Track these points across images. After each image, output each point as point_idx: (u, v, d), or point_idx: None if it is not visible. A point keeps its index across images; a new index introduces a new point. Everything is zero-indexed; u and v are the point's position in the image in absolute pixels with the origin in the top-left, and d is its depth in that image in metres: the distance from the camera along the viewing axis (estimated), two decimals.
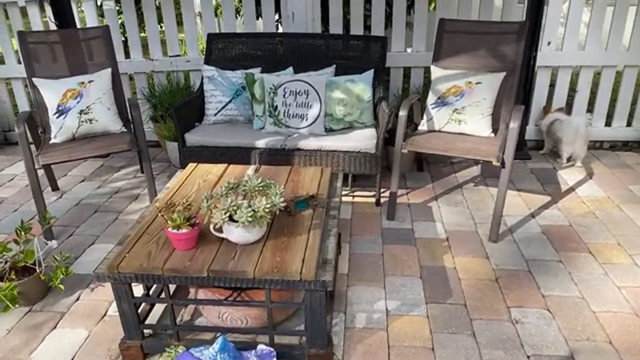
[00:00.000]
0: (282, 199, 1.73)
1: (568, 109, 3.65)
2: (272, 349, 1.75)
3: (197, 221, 1.76)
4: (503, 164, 2.48)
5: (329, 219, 1.99)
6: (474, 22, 2.98)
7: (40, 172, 3.28)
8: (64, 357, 1.90)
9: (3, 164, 3.82)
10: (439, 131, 2.87)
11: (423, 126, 2.93)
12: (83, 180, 3.47)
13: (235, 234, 1.72)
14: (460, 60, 2.94)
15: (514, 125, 2.42)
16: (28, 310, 2.17)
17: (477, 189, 3.18)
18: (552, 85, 3.67)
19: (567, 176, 3.31)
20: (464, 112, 2.78)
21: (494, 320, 2.03)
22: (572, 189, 3.13)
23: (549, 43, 3.53)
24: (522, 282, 2.26)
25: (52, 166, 3.58)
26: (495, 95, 2.78)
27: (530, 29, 3.24)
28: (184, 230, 1.70)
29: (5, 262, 2.18)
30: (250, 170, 2.35)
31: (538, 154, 3.68)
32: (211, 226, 1.75)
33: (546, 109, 3.61)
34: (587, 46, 3.53)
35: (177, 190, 2.19)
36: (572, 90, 3.73)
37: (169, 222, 1.72)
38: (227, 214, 1.66)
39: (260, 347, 1.75)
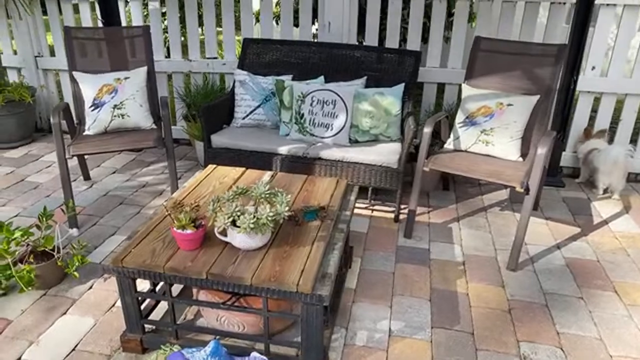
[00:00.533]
0: (287, 208, 1.72)
1: (610, 136, 3.47)
2: (264, 358, 1.74)
3: (202, 223, 1.78)
4: (527, 191, 2.38)
5: (336, 232, 1.96)
6: (511, 42, 2.89)
7: (75, 162, 3.44)
8: (69, 343, 1.96)
9: (44, 151, 4.01)
10: (465, 151, 2.79)
11: (449, 145, 2.86)
12: (114, 172, 3.60)
13: (237, 239, 1.72)
14: (492, 80, 2.85)
15: (542, 151, 2.32)
16: (44, 293, 2.25)
17: (502, 213, 3.06)
18: (595, 111, 3.50)
19: (602, 208, 3.14)
20: (493, 133, 2.69)
21: (501, 353, 1.94)
22: (605, 222, 2.96)
23: (593, 68, 3.38)
24: (537, 316, 2.15)
25: (87, 157, 3.74)
26: (527, 118, 2.68)
27: (573, 52, 3.11)
28: (188, 231, 1.72)
29: (27, 246, 2.27)
30: (265, 176, 2.35)
31: (573, 182, 3.51)
32: (215, 229, 1.76)
33: (587, 132, 3.42)
34: (635, 73, 3.35)
35: (192, 191, 2.23)
36: (617, 118, 3.54)
37: (175, 221, 1.74)
38: (230, 219, 1.67)
39: (254, 354, 1.75)
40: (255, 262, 1.70)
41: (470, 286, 2.35)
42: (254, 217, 1.65)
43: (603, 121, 3.48)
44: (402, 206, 3.07)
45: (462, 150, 2.80)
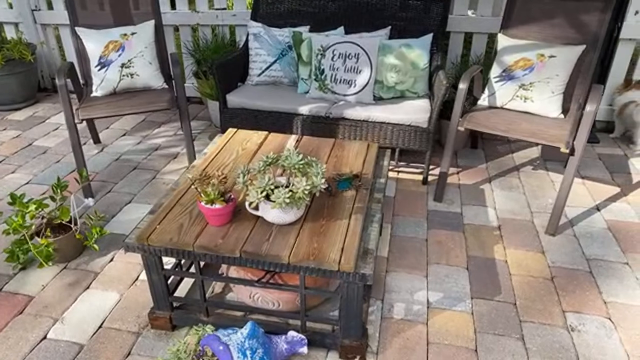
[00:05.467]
0: (323, 180, 1.57)
1: None
2: (303, 337, 1.65)
3: (232, 197, 1.64)
4: (573, 152, 2.21)
5: (373, 203, 1.83)
6: None
7: (84, 124, 3.27)
8: (95, 319, 1.88)
9: (50, 112, 3.84)
10: (501, 108, 2.60)
11: (484, 101, 2.66)
12: (124, 135, 3.43)
13: (271, 214, 1.59)
14: (533, 29, 2.61)
15: (591, 108, 2.13)
16: (63, 267, 2.16)
17: (536, 172, 2.91)
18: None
19: None
20: (532, 88, 2.49)
21: (547, 325, 1.85)
22: None
23: (636, 12, 3.10)
24: (582, 284, 2.05)
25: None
26: (570, 71, 2.47)
27: None
28: (217, 206, 1.59)
29: (42, 218, 2.16)
30: (291, 141, 2.19)
31: (607, 138, 3.33)
32: (247, 203, 1.63)
33: (628, 82, 3.17)
34: None
35: (214, 158, 2.08)
36: None
37: (202, 195, 1.61)
38: (264, 193, 1.53)
39: (291, 333, 1.66)
40: (291, 238, 1.58)
41: (508, 252, 2.24)
42: (290, 191, 1.51)
43: None
44: (430, 167, 2.92)
45: (497, 107, 2.61)
